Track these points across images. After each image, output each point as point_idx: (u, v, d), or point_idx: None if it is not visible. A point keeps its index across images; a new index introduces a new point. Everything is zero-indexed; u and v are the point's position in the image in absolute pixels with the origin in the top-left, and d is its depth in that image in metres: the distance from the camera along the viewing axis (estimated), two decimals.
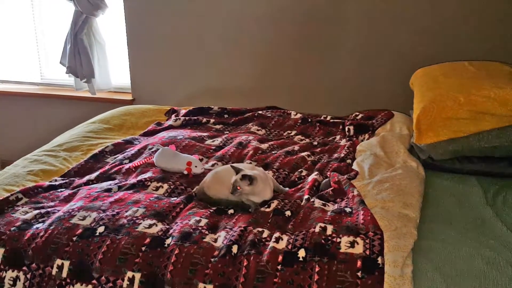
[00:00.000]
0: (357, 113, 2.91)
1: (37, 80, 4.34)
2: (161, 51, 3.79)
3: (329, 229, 1.69)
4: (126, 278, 1.61)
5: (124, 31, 3.82)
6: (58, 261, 1.67)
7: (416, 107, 2.39)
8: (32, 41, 4.23)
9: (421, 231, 1.75)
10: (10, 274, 1.69)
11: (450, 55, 3.04)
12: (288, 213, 1.84)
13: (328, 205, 1.90)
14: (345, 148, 2.45)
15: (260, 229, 1.73)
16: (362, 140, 2.58)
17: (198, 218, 1.80)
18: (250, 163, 2.29)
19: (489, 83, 2.28)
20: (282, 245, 1.64)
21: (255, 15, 3.49)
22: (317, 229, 1.68)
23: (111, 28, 4.00)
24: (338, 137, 2.69)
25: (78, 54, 3.85)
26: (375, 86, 3.38)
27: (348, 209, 1.82)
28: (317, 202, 1.91)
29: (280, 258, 1.58)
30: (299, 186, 2.09)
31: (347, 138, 2.64)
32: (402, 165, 2.21)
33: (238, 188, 1.88)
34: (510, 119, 2.14)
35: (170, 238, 1.69)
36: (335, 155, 2.40)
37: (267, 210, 1.87)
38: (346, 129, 2.72)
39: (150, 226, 1.75)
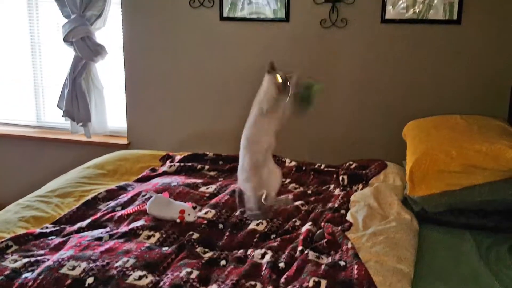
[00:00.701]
0: (351, 162, 2.93)
1: (33, 122, 4.36)
2: (158, 96, 3.84)
3: (323, 283, 1.67)
4: None
5: (122, 76, 3.88)
6: None
7: (409, 159, 2.41)
8: (30, 83, 4.27)
9: (415, 286, 1.74)
10: None
11: (442, 107, 3.11)
12: (281, 265, 1.82)
13: (322, 258, 1.89)
14: (339, 198, 2.45)
15: (252, 283, 1.71)
16: (356, 190, 2.59)
17: (189, 270, 1.77)
18: (244, 211, 2.29)
19: (480, 137, 2.32)
20: None
21: (250, 62, 3.56)
22: (310, 284, 1.66)
23: (108, 72, 4.05)
24: (332, 186, 2.70)
25: (76, 98, 3.89)
26: (369, 135, 3.43)
27: (342, 263, 1.80)
28: (311, 254, 1.90)
29: None
30: (293, 236, 2.07)
31: (341, 188, 2.64)
32: (396, 217, 2.21)
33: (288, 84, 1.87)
34: (502, 173, 2.17)
35: None
36: (329, 205, 2.40)
37: (261, 261, 1.85)
38: (340, 178, 2.72)
39: (140, 277, 1.72)
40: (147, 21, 3.72)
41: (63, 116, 3.98)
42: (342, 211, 2.32)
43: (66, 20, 3.79)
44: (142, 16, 3.72)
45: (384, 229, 2.08)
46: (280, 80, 1.85)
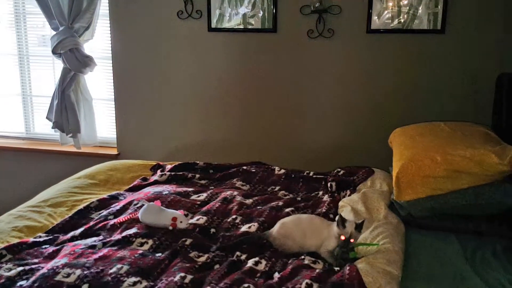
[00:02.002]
0: (339, 169, 2.98)
1: (23, 134, 4.36)
2: (147, 106, 3.87)
3: (315, 286, 1.71)
4: None
5: (111, 86, 3.91)
6: None
7: (395, 165, 2.47)
8: (18, 95, 4.28)
9: None
10: None
11: (427, 115, 3.18)
12: (276, 275, 1.85)
13: (319, 263, 1.94)
14: (327, 204, 2.50)
15: (246, 285, 1.74)
16: (344, 196, 2.64)
17: (183, 274, 1.80)
18: (236, 218, 2.32)
19: (464, 143, 2.39)
20: None
21: (239, 74, 3.62)
22: (303, 286, 1.71)
23: (98, 83, 4.07)
24: (321, 192, 2.74)
25: (65, 110, 3.90)
26: (356, 143, 3.49)
27: (336, 268, 1.85)
28: (308, 259, 1.95)
29: None
30: None
31: (330, 194, 2.69)
32: (383, 221, 2.26)
33: (352, 241, 1.91)
34: (486, 178, 2.23)
35: None
36: (318, 210, 2.45)
37: (255, 267, 1.89)
38: (329, 185, 2.77)
39: (134, 283, 1.75)
40: (136, 33, 3.76)
41: (52, 128, 3.99)
42: (331, 215, 2.37)
43: (54, 33, 3.82)
44: (131, 28, 3.75)
45: (373, 233, 2.14)
46: (343, 238, 1.93)
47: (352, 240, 1.91)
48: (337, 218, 1.97)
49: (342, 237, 1.91)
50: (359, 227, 1.93)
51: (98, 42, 3.95)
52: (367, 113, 3.44)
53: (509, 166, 2.18)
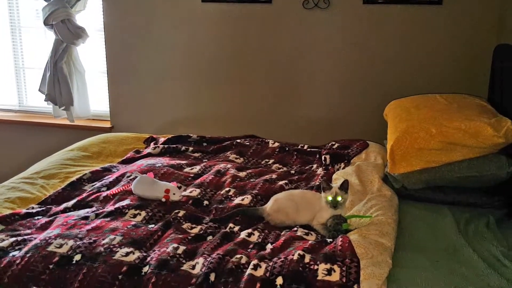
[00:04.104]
0: (333, 142, 2.97)
1: (15, 107, 4.32)
2: (140, 79, 3.83)
3: (307, 257, 1.72)
4: None
5: (104, 59, 3.86)
6: None
7: (389, 137, 2.46)
8: (11, 68, 4.22)
9: (395, 259, 1.79)
10: None
11: (424, 87, 3.15)
12: (269, 246, 1.85)
13: (312, 234, 1.94)
14: (320, 177, 2.49)
15: (238, 256, 1.74)
16: (338, 169, 2.63)
17: (176, 245, 1.80)
18: (229, 190, 2.32)
19: (459, 115, 2.37)
20: (260, 272, 1.65)
21: (232, 48, 3.57)
22: (295, 257, 1.71)
23: (91, 56, 4.02)
24: (315, 165, 2.74)
25: (58, 82, 3.86)
26: (351, 116, 3.47)
27: (329, 240, 1.86)
28: (300, 231, 1.95)
29: (258, 286, 1.60)
30: None
31: (324, 167, 2.68)
32: (377, 194, 2.26)
33: (340, 199, 1.92)
34: (480, 150, 2.23)
35: (147, 266, 1.69)
36: (312, 183, 2.44)
37: (248, 239, 1.89)
38: (323, 158, 2.76)
39: (127, 254, 1.75)
40: (128, 4, 3.69)
41: (45, 100, 3.95)
42: None
43: (46, 3, 3.75)
44: None
45: (366, 205, 2.14)
46: (329, 199, 1.91)
47: (339, 199, 1.92)
48: (321, 184, 1.99)
49: (329, 198, 1.91)
50: (342, 187, 1.93)
51: (91, 13, 3.88)
52: (363, 86, 3.41)
53: (505, 138, 2.18)
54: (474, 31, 3.16)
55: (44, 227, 1.98)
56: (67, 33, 3.76)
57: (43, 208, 2.17)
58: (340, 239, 1.82)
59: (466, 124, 2.25)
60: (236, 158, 2.81)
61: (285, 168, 2.70)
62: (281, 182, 2.42)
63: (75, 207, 2.17)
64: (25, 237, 1.88)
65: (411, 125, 2.40)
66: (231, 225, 2.02)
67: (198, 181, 2.42)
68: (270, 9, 3.44)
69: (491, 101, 2.75)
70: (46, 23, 3.75)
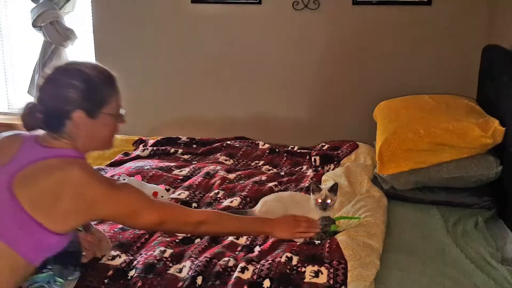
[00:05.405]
0: (323, 144, 2.97)
1: (4, 109, 4.28)
2: (129, 81, 3.78)
3: (295, 259, 1.71)
4: None
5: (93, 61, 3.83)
6: None
7: (378, 138, 2.46)
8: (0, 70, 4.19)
9: (383, 260, 1.79)
10: None
11: (413, 88, 3.15)
12: (257, 248, 1.84)
13: None
14: (310, 178, 2.49)
15: (226, 259, 1.73)
16: (327, 170, 2.63)
17: (163, 249, 1.79)
18: (218, 192, 2.30)
19: (448, 116, 2.38)
20: (247, 275, 1.65)
21: (222, 49, 3.55)
22: (283, 259, 1.70)
23: (79, 58, 3.99)
24: (305, 167, 2.73)
25: None
26: (341, 117, 3.46)
27: (317, 242, 1.85)
28: None
29: None
30: None
31: (313, 168, 2.68)
32: (365, 195, 2.26)
33: (329, 201, 1.90)
34: (468, 150, 2.23)
35: (134, 270, 1.68)
36: (301, 185, 2.44)
37: (236, 241, 1.88)
38: (313, 159, 2.76)
39: (113, 257, 1.73)
40: (117, 5, 3.66)
41: None
42: None
43: (34, 5, 3.72)
44: (112, 0, 3.66)
45: (355, 207, 2.13)
46: (319, 201, 1.90)
47: (328, 201, 1.90)
48: (310, 185, 1.97)
49: (319, 200, 1.90)
50: (332, 189, 1.92)
51: (79, 14, 3.85)
52: (353, 87, 3.40)
53: (492, 138, 2.18)
54: (463, 31, 3.17)
55: None
56: (56, 35, 3.73)
57: None
58: (328, 241, 1.81)
59: (454, 124, 2.26)
60: (226, 160, 2.80)
61: (275, 170, 2.70)
62: (270, 184, 2.41)
63: None
64: None
65: (400, 126, 2.40)
66: None
67: (187, 183, 2.41)
68: (259, 10, 3.43)
69: (479, 102, 2.75)
70: (34, 25, 3.72)
